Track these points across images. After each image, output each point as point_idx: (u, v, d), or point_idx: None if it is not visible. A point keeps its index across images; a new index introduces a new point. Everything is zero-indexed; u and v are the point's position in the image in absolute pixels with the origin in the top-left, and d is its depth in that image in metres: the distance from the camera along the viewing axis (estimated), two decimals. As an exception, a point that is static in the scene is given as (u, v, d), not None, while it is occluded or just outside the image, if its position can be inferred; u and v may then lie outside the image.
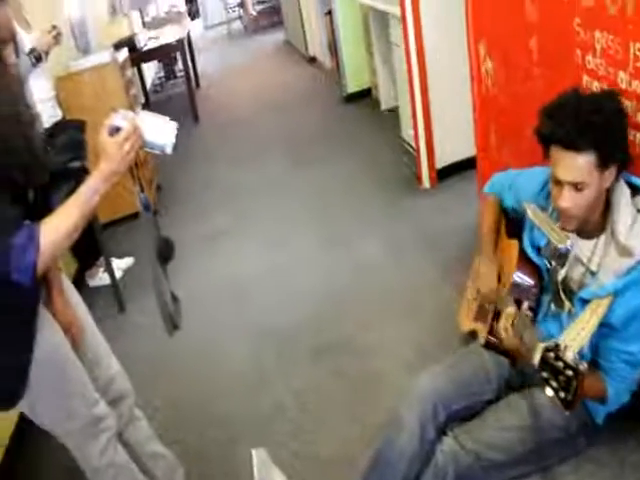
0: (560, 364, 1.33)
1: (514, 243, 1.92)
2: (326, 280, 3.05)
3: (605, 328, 1.57)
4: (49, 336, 1.48)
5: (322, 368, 2.49)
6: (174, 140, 1.45)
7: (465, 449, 1.78)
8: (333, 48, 5.73)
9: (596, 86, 1.72)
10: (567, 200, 1.54)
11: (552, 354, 1.36)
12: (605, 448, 1.89)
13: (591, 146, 1.47)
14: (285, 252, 3.38)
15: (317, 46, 6.43)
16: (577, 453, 1.87)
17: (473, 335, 2.11)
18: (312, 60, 6.72)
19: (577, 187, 1.52)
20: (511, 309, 1.65)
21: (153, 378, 2.63)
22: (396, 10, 3.37)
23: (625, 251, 1.56)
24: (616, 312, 1.55)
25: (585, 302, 1.63)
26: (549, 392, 1.35)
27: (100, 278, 3.45)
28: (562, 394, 1.31)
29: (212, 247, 3.61)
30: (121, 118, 1.38)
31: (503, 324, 1.55)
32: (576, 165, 1.49)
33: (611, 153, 1.50)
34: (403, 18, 3.14)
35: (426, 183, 3.61)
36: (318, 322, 2.76)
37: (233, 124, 5.75)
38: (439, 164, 3.58)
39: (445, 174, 3.61)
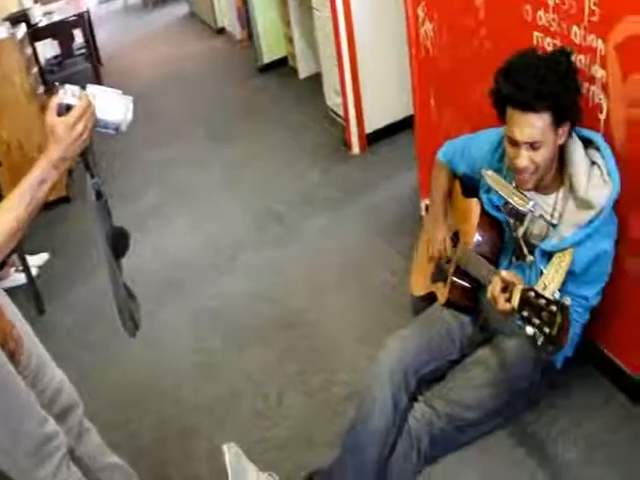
0: (542, 301, 1.35)
1: (472, 201, 1.94)
2: (266, 256, 2.97)
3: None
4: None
5: (273, 348, 2.43)
6: (131, 117, 1.31)
7: (438, 413, 1.79)
8: (244, 17, 5.55)
9: (548, 42, 1.73)
10: (525, 159, 1.56)
11: (532, 293, 1.39)
12: (563, 392, 1.97)
13: (548, 106, 1.49)
14: (218, 230, 3.26)
15: (226, 16, 6.20)
16: (539, 400, 1.94)
17: (430, 297, 2.12)
18: (221, 31, 6.49)
19: (533, 146, 1.54)
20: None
21: (88, 383, 2.36)
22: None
23: (585, 204, 1.60)
24: (577, 260, 1.60)
25: (545, 254, 1.67)
26: (529, 331, 1.37)
27: (13, 279, 3.10)
28: (546, 329, 1.33)
29: (141, 228, 3.41)
30: (71, 95, 1.21)
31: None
32: (533, 125, 1.51)
33: (566, 112, 1.53)
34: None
35: (356, 149, 3.59)
36: (262, 300, 2.68)
37: (143, 101, 5.40)
38: (368, 129, 3.55)
39: (374, 139, 3.60)
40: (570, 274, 1.60)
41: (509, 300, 1.47)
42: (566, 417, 1.92)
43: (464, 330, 1.95)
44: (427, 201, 2.85)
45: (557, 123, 1.53)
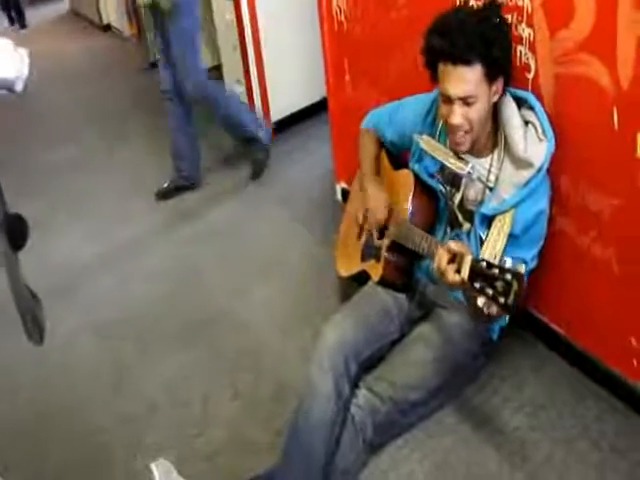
0: (495, 270, 1.29)
1: (404, 172, 1.86)
2: (178, 254, 2.76)
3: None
4: None
5: (193, 351, 2.23)
6: (27, 72, 1.11)
7: (381, 397, 1.70)
8: (132, 12, 5.26)
9: (472, 4, 1.69)
10: (458, 116, 1.51)
11: (484, 263, 1.32)
12: (502, 362, 1.96)
13: (479, 58, 1.45)
14: (124, 232, 2.99)
15: (113, 12, 5.87)
16: (479, 373, 1.91)
17: (359, 277, 2.03)
18: (107, 28, 6.14)
19: (467, 102, 1.49)
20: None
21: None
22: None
23: (524, 163, 1.58)
24: (517, 221, 1.57)
25: (486, 218, 1.63)
26: (481, 302, 1.31)
27: None
28: (502, 299, 1.27)
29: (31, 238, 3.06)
30: None
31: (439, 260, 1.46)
32: (466, 78, 1.46)
33: (498, 64, 1.49)
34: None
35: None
36: (178, 302, 2.48)
37: (26, 101, 5.00)
38: (275, 117, 3.44)
39: (283, 127, 3.49)
40: (509, 236, 1.56)
41: (458, 272, 1.39)
42: (507, 385, 1.91)
43: (401, 307, 1.88)
44: (343, 185, 2.78)
45: (490, 77, 1.50)
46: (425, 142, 1.69)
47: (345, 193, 2.80)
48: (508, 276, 1.28)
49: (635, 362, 1.73)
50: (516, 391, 1.88)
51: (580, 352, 1.89)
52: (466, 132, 1.56)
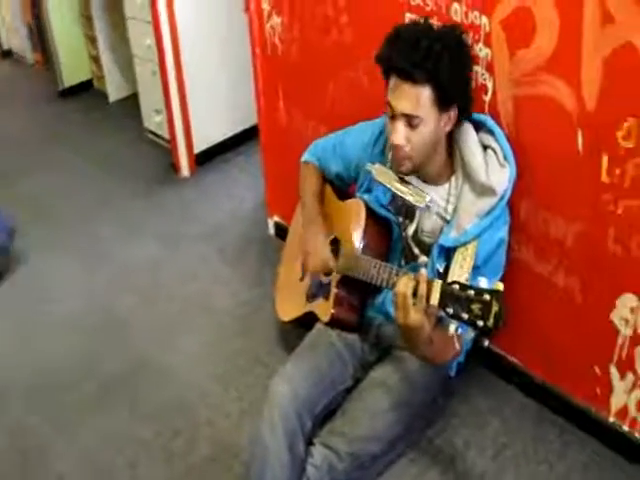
0: (470, 292, 1.18)
1: (353, 202, 1.73)
2: (90, 301, 2.43)
3: None
4: None
5: (114, 412, 1.94)
6: None
7: (339, 454, 1.52)
8: (37, 37, 4.92)
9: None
10: (400, 135, 1.40)
11: (456, 286, 1.20)
12: (460, 400, 1.86)
13: (427, 79, 1.34)
14: (29, 283, 2.59)
15: (14, 35, 5.47)
16: (438, 413, 1.79)
17: (303, 321, 1.86)
18: (7, 54, 5.71)
19: (411, 123, 1.38)
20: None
21: None
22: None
23: (487, 190, 1.48)
24: (479, 252, 1.46)
25: (444, 249, 1.51)
26: (452, 329, 1.22)
27: None
28: (480, 323, 1.17)
29: None
30: None
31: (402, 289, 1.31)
32: (409, 96, 1.36)
33: (451, 93, 1.39)
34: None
35: (185, 171, 3.23)
36: (93, 357, 2.16)
37: None
38: (198, 147, 3.23)
39: (207, 158, 3.28)
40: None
41: (427, 299, 1.26)
42: (467, 425, 1.80)
43: (354, 351, 1.72)
44: (277, 218, 2.62)
45: (441, 104, 1.39)
46: (378, 172, 1.56)
47: (279, 227, 2.63)
48: (486, 296, 1.17)
49: (599, 391, 1.68)
50: (477, 430, 1.79)
51: (540, 385, 1.82)
52: (405, 156, 1.45)
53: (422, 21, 1.45)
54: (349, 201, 1.74)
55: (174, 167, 3.25)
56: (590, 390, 1.69)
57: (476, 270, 1.46)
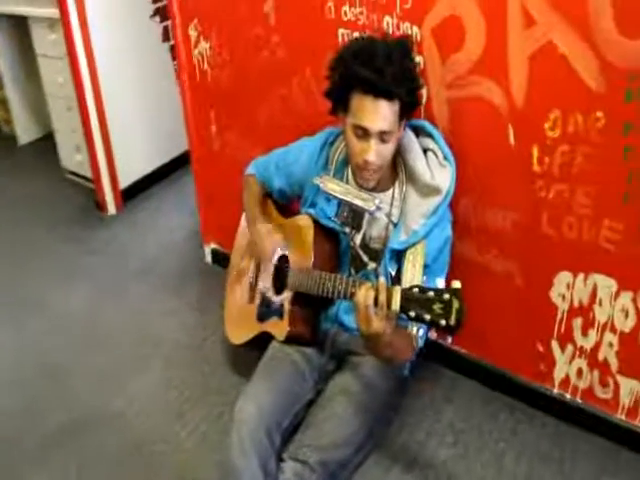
0: (430, 293, 1.23)
1: (300, 218, 1.75)
2: (28, 355, 2.27)
3: None
4: None
5: (60, 465, 1.82)
6: None
7: (310, 465, 1.51)
8: None
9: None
10: (374, 153, 1.44)
11: (416, 289, 1.25)
12: (413, 395, 1.93)
13: (402, 93, 1.40)
14: None
15: None
16: (396, 412, 1.84)
17: (259, 341, 1.85)
18: None
19: (383, 138, 1.43)
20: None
21: None
22: (47, 12, 2.89)
23: (432, 190, 1.55)
24: (429, 251, 1.53)
25: (394, 253, 1.57)
26: (414, 329, 1.32)
27: None
28: (443, 322, 1.21)
29: None
30: None
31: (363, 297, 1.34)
32: (383, 113, 1.40)
33: (412, 100, 1.46)
34: (66, 21, 2.66)
35: (112, 209, 3.15)
36: (35, 411, 2.02)
37: None
38: (124, 183, 3.16)
39: (133, 193, 3.22)
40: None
41: (388, 306, 1.29)
42: (425, 418, 1.87)
43: (312, 363, 1.73)
44: (213, 245, 2.60)
45: (403, 113, 1.45)
46: (325, 184, 1.58)
47: (216, 254, 2.61)
48: (445, 295, 1.22)
49: (543, 367, 1.79)
50: (435, 422, 1.85)
51: (487, 369, 1.91)
52: (375, 170, 1.50)
53: (371, 37, 1.47)
54: (296, 217, 1.76)
55: (99, 206, 3.16)
56: (535, 367, 1.80)
57: (426, 269, 1.52)
